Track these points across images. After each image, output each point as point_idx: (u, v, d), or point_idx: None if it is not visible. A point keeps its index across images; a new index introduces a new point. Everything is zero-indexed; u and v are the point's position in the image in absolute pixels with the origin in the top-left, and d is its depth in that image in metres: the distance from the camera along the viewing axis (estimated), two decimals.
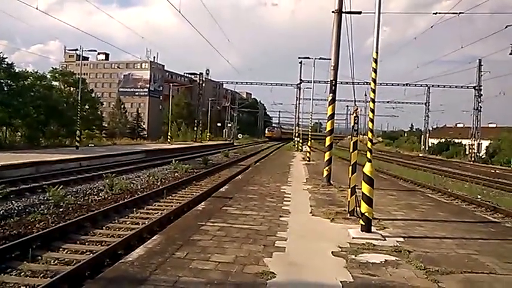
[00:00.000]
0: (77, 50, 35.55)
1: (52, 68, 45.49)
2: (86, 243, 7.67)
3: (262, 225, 7.43)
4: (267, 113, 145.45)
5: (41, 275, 5.87)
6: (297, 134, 50.57)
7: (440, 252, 6.12)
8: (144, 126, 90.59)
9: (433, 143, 68.97)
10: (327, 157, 14.16)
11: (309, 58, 33.31)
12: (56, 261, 6.51)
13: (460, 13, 22.96)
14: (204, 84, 68.55)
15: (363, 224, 6.93)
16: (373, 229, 7.02)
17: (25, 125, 33.95)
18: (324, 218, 8.37)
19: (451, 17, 23.31)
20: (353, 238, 6.65)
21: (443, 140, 67.77)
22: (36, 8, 21.24)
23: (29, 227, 8.58)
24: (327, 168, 14.08)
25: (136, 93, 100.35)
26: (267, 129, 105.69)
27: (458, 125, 78.23)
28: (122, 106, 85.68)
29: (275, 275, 4.79)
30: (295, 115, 57.28)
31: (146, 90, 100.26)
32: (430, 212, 9.85)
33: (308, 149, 29.44)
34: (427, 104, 63.94)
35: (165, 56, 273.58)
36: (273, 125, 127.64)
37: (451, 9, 23.68)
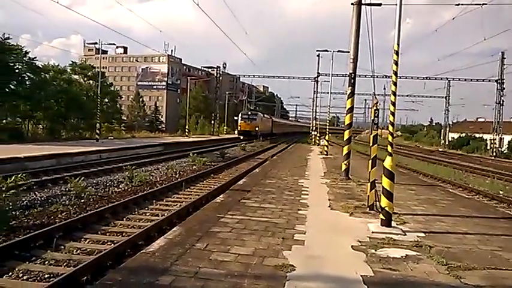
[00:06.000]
0: (96, 43, 35.95)
1: (72, 61, 46.13)
2: (107, 234, 7.79)
3: (280, 218, 7.44)
4: (284, 106, 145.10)
5: (64, 264, 5.99)
6: (314, 128, 50.26)
7: (462, 248, 6.03)
8: (162, 119, 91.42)
9: (453, 138, 67.84)
10: (345, 151, 14.05)
11: (327, 51, 33.17)
12: (78, 251, 6.63)
13: (483, 4, 22.40)
14: (221, 78, 68.66)
15: (383, 218, 6.87)
16: (393, 224, 6.96)
17: (46, 117, 34.71)
18: (343, 212, 8.33)
19: (475, 8, 22.77)
20: (373, 232, 6.60)
21: (463, 134, 66.59)
22: (57, 3, 21.44)
23: (52, 217, 8.75)
24: (345, 162, 13.97)
25: (155, 87, 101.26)
26: (239, 117, 54.89)
27: (479, 119, 76.80)
28: (141, 99, 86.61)
29: (295, 268, 4.79)
30: (312, 109, 56.65)
31: (164, 83, 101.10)
32: (451, 207, 9.71)
33: (326, 143, 29.30)
34: (447, 97, 62.86)
35: (182, 50, 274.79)
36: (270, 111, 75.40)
37: (474, 0, 23.04)
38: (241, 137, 49.38)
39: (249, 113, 57.17)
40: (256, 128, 52.34)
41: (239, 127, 53.67)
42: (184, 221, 7.40)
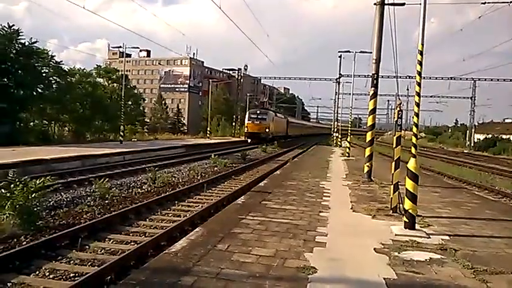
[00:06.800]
0: (120, 47, 36.64)
1: (96, 65, 47.04)
2: (130, 234, 7.90)
3: (301, 220, 7.41)
4: (305, 108, 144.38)
5: (89, 264, 6.11)
6: (335, 129, 49.85)
7: (489, 252, 5.89)
8: (184, 121, 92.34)
9: (479, 139, 66.27)
10: (367, 153, 13.90)
11: (349, 52, 32.97)
12: (102, 251, 6.75)
13: (511, 2, 21.82)
14: (242, 80, 68.90)
15: (407, 220, 6.77)
16: (417, 226, 6.84)
17: (72, 120, 35.49)
18: (365, 214, 8.24)
19: (502, 7, 22.20)
20: (396, 235, 6.51)
21: (489, 135, 64.99)
22: (83, 8, 21.99)
23: (77, 217, 8.93)
24: (367, 164, 13.82)
25: (177, 89, 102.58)
26: (247, 117, 45.10)
27: (506, 120, 74.88)
28: (163, 102, 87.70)
29: (316, 270, 4.77)
30: (334, 110, 56.27)
31: (186, 86, 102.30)
32: (476, 210, 9.49)
33: (348, 145, 29.01)
34: (472, 98, 61.47)
35: (204, 52, 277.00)
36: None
37: None
38: (249, 141, 41.13)
39: (258, 111, 45.43)
40: (267, 130, 42.15)
41: (246, 128, 43.62)
42: (206, 222, 7.47)
